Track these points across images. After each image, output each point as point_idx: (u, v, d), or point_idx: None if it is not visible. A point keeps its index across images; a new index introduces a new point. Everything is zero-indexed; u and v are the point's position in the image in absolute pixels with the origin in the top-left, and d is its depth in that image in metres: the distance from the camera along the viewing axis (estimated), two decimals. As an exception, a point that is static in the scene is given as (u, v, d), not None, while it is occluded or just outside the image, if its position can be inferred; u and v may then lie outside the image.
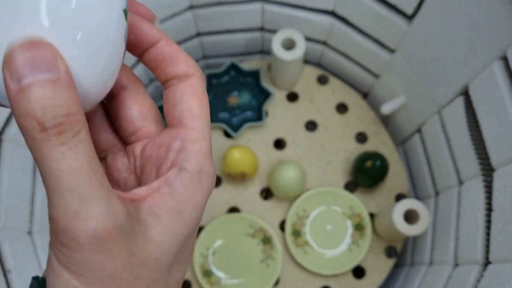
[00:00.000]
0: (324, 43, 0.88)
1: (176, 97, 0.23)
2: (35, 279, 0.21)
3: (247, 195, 0.84)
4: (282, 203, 0.84)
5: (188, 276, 0.78)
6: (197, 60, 0.96)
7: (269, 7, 0.82)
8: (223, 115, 0.88)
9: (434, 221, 0.75)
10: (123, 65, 0.24)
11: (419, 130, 0.82)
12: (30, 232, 0.67)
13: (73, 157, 0.17)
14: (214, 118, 0.87)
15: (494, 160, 0.58)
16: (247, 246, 0.81)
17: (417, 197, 0.86)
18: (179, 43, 0.89)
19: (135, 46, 0.23)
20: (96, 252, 0.18)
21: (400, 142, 0.91)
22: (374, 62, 0.84)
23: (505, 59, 0.55)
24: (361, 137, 0.89)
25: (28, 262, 0.64)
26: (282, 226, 0.83)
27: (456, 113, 0.67)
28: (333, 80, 0.91)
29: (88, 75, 0.19)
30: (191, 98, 0.23)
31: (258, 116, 0.87)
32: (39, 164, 0.17)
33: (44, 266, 0.67)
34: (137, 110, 0.25)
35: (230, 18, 0.85)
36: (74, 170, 0.17)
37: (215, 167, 0.24)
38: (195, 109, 0.23)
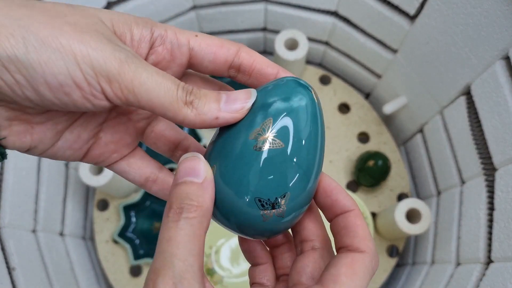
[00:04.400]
0: (326, 43, 0.89)
1: (337, 263, 0.24)
2: None
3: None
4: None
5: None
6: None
7: (272, 8, 0.83)
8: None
9: (436, 220, 0.76)
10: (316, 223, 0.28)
11: (421, 130, 0.82)
12: (34, 231, 0.67)
13: (175, 231, 0.21)
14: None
15: (496, 159, 0.58)
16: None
17: (419, 196, 0.86)
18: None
19: (328, 210, 0.26)
20: None
21: (402, 142, 0.91)
22: (376, 62, 0.84)
23: (507, 58, 0.55)
24: (363, 137, 0.89)
25: (32, 260, 0.64)
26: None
27: (458, 113, 0.67)
28: (335, 80, 0.92)
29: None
30: (349, 272, 0.23)
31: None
32: (160, 232, 0.22)
33: (48, 264, 0.68)
34: (309, 270, 0.26)
35: (233, 18, 0.86)
36: (172, 238, 0.21)
37: None
38: (344, 280, 0.23)
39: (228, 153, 0.24)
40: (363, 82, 0.92)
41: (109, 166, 0.28)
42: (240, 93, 0.24)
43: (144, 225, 0.81)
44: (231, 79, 0.28)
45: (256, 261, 0.29)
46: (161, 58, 0.25)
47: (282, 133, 0.24)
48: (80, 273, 0.77)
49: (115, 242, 0.80)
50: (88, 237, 0.85)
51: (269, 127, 0.24)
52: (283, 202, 0.24)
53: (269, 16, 0.85)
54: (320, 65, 0.96)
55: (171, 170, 0.85)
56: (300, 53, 0.80)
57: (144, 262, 0.77)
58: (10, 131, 0.22)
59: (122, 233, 0.79)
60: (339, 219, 0.26)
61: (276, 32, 0.88)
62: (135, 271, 0.79)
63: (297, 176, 0.24)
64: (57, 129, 0.24)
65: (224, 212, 0.25)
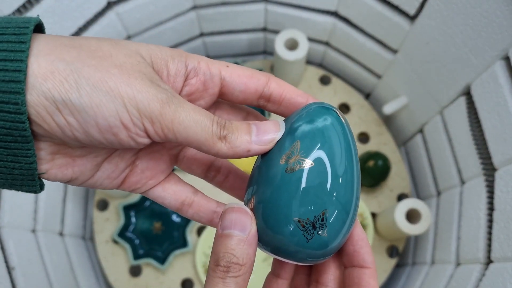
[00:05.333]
0: (326, 43, 0.89)
1: (349, 281, 0.27)
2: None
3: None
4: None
5: (190, 274, 0.79)
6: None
7: (272, 8, 0.83)
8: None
9: (436, 221, 0.76)
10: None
11: (421, 131, 0.82)
12: (34, 230, 0.67)
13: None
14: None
15: (496, 159, 0.58)
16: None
17: (419, 197, 0.86)
18: (182, 43, 0.89)
19: (347, 257, 0.28)
20: None
21: (402, 142, 0.91)
22: (377, 62, 0.84)
23: (507, 59, 0.55)
24: (364, 137, 0.89)
25: (32, 259, 0.64)
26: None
27: (458, 113, 0.67)
28: (335, 81, 0.92)
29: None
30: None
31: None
32: (206, 283, 0.24)
33: (47, 263, 0.68)
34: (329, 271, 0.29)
35: (233, 19, 0.86)
36: None
37: None
38: None
39: (264, 180, 0.26)
40: (363, 83, 0.92)
41: (145, 193, 0.29)
42: (270, 125, 0.26)
43: (144, 225, 0.81)
44: (260, 108, 0.29)
45: (279, 272, 0.30)
46: (194, 89, 0.27)
47: (310, 152, 0.25)
48: (80, 273, 0.77)
49: (115, 242, 0.80)
50: (88, 237, 0.85)
51: (297, 149, 0.25)
52: (323, 220, 0.25)
53: (269, 16, 0.85)
54: (320, 65, 0.96)
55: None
56: (300, 53, 0.80)
57: (144, 262, 0.77)
58: (53, 165, 0.23)
59: (122, 233, 0.79)
60: (354, 272, 0.27)
61: (276, 32, 0.88)
62: (135, 271, 0.79)
63: (334, 194, 0.25)
64: (97, 161, 0.26)
65: (267, 240, 0.26)
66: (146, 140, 0.23)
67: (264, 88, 0.27)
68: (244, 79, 0.27)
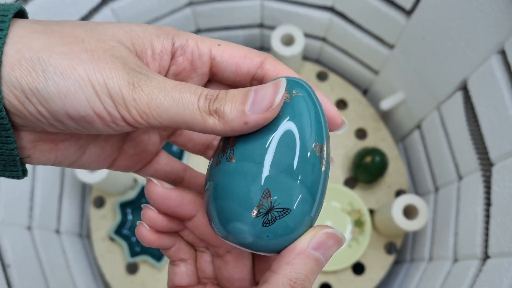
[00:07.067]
0: (323, 39, 0.88)
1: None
2: None
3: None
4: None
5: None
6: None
7: (268, 3, 0.82)
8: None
9: (434, 217, 0.75)
10: None
11: (418, 126, 0.82)
12: (29, 228, 0.67)
13: None
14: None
15: (492, 154, 0.58)
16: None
17: (417, 193, 0.86)
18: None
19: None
20: None
21: (400, 138, 0.91)
22: (373, 58, 0.84)
23: (503, 53, 0.55)
24: (361, 134, 0.89)
25: (27, 257, 0.64)
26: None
27: (455, 108, 0.67)
28: (332, 77, 0.91)
29: None
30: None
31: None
32: None
33: (44, 261, 0.68)
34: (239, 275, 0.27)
35: (230, 15, 0.86)
36: None
37: None
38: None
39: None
40: (360, 78, 0.92)
41: (137, 172, 0.28)
42: (268, 89, 0.22)
43: (140, 223, 0.80)
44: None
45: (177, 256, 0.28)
46: (181, 69, 0.25)
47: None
48: (76, 271, 0.76)
49: (112, 239, 0.79)
50: (85, 234, 0.85)
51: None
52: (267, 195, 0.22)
53: (265, 12, 0.85)
54: (317, 61, 0.96)
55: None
56: (296, 48, 0.79)
57: (140, 259, 0.77)
58: (35, 151, 0.23)
59: (119, 231, 0.78)
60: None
61: (273, 28, 0.87)
62: (132, 269, 0.79)
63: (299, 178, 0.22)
64: (80, 144, 0.25)
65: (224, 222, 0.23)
66: (126, 128, 0.22)
67: (258, 69, 0.25)
68: (237, 59, 0.25)
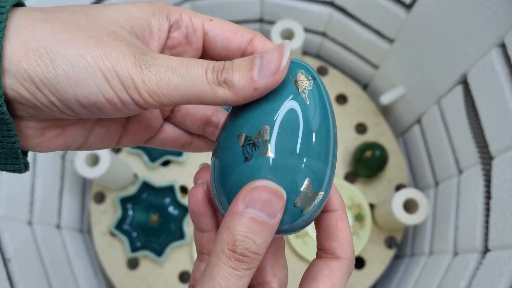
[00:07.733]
0: (323, 34, 0.88)
1: (316, 274, 0.25)
2: None
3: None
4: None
5: (188, 267, 0.79)
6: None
7: (268, -2, 0.82)
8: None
9: (434, 211, 0.75)
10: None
11: (418, 121, 0.82)
12: (30, 223, 0.67)
13: (235, 282, 0.21)
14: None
15: (492, 148, 0.58)
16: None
17: (417, 187, 0.86)
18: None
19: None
20: None
21: (400, 133, 0.91)
22: (373, 52, 0.84)
23: (503, 46, 0.55)
24: (361, 128, 0.89)
25: (28, 252, 0.64)
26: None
27: (455, 102, 0.67)
28: (332, 71, 0.91)
29: None
30: (325, 279, 0.24)
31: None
32: (209, 269, 0.21)
33: (44, 256, 0.68)
34: (270, 265, 0.27)
35: (229, 9, 0.85)
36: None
37: None
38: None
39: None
40: (360, 73, 0.92)
41: (145, 143, 0.29)
42: (273, 53, 0.22)
43: (141, 218, 0.81)
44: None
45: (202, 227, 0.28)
46: (177, 43, 0.25)
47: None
48: (77, 266, 0.77)
49: (112, 234, 0.79)
50: (85, 230, 0.85)
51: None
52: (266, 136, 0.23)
53: (265, 7, 0.85)
54: (317, 56, 0.96)
55: (167, 162, 0.85)
56: (296, 43, 0.79)
57: (141, 254, 0.77)
58: (43, 139, 0.23)
59: (119, 226, 0.78)
60: (322, 217, 0.26)
61: (272, 23, 0.87)
62: (132, 264, 0.79)
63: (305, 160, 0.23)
64: (87, 126, 0.25)
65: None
66: (137, 110, 0.22)
67: (248, 46, 0.25)
68: (228, 34, 0.25)
